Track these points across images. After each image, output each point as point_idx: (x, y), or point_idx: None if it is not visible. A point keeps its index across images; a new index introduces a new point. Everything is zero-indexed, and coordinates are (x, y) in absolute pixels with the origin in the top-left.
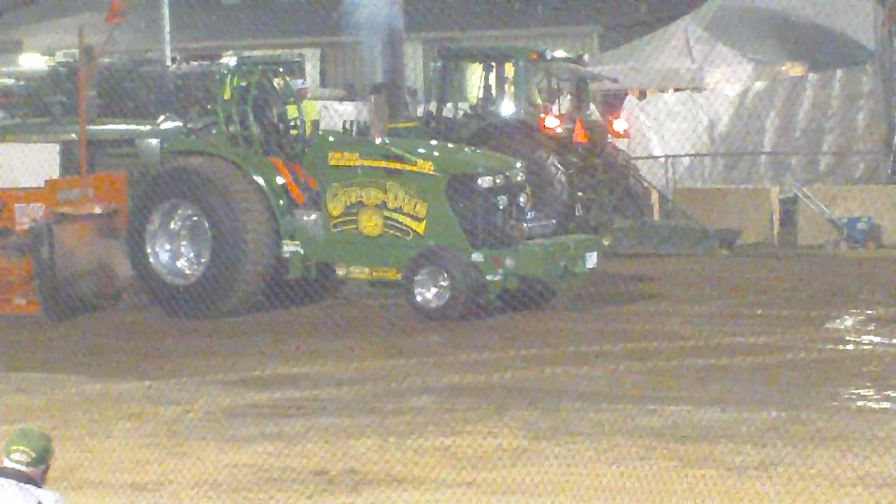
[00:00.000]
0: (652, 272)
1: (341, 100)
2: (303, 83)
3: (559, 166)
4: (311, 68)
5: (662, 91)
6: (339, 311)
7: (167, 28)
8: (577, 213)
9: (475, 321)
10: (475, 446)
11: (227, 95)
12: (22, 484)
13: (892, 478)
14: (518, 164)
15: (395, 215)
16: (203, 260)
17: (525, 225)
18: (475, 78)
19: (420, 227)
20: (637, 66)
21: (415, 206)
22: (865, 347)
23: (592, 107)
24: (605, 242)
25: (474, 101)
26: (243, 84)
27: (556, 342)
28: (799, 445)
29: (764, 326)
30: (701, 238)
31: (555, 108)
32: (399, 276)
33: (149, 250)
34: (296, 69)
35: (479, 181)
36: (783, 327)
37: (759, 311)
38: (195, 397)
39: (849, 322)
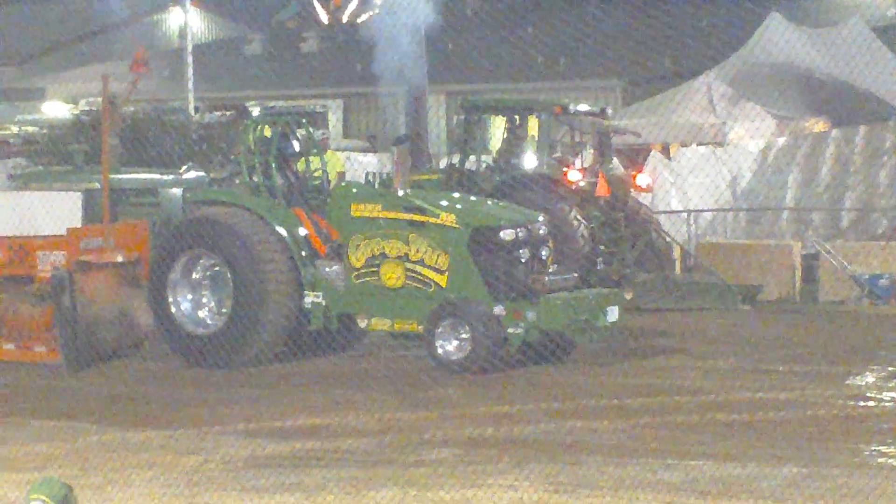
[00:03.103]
0: (673, 327)
1: (364, 151)
2: (324, 133)
3: (581, 220)
4: (335, 119)
5: (685, 146)
6: (360, 363)
7: (191, 77)
8: (598, 267)
9: (496, 374)
10: (495, 499)
11: (250, 145)
12: None
13: None
14: (540, 218)
15: (416, 267)
16: (224, 310)
17: (547, 278)
18: (498, 131)
19: (442, 280)
20: (660, 121)
21: (437, 258)
22: (887, 404)
23: (615, 161)
24: (627, 297)
25: (497, 153)
26: (266, 134)
27: (577, 396)
28: (820, 501)
29: (785, 382)
30: (722, 293)
31: (577, 161)
32: (420, 329)
33: (170, 299)
34: (319, 120)
35: (502, 234)
36: (804, 383)
37: (781, 367)
38: (215, 447)
39: (870, 378)
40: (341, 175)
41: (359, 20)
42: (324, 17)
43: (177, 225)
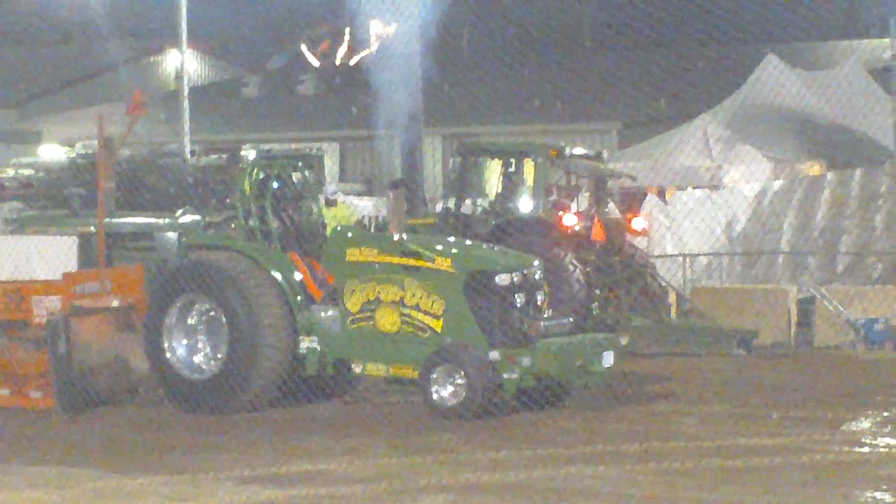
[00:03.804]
0: (668, 372)
1: (360, 194)
2: (333, 193)
3: (576, 264)
4: (331, 163)
5: (681, 189)
6: (355, 409)
7: (187, 120)
8: (594, 312)
9: (491, 419)
10: None
11: (245, 189)
12: None
13: None
14: (536, 262)
15: (412, 312)
16: (220, 355)
17: (542, 323)
18: (494, 174)
19: (437, 325)
20: (656, 164)
21: (432, 303)
22: (882, 450)
23: (611, 204)
24: (622, 341)
25: (493, 197)
26: (262, 178)
27: (572, 441)
28: None
29: (780, 428)
30: (718, 338)
31: (573, 205)
32: (415, 374)
33: (165, 345)
34: (315, 163)
35: (497, 279)
36: (799, 429)
37: (775, 412)
38: (210, 493)
39: (865, 424)
40: (359, 223)
41: (351, 62)
42: (314, 62)
43: (172, 270)
